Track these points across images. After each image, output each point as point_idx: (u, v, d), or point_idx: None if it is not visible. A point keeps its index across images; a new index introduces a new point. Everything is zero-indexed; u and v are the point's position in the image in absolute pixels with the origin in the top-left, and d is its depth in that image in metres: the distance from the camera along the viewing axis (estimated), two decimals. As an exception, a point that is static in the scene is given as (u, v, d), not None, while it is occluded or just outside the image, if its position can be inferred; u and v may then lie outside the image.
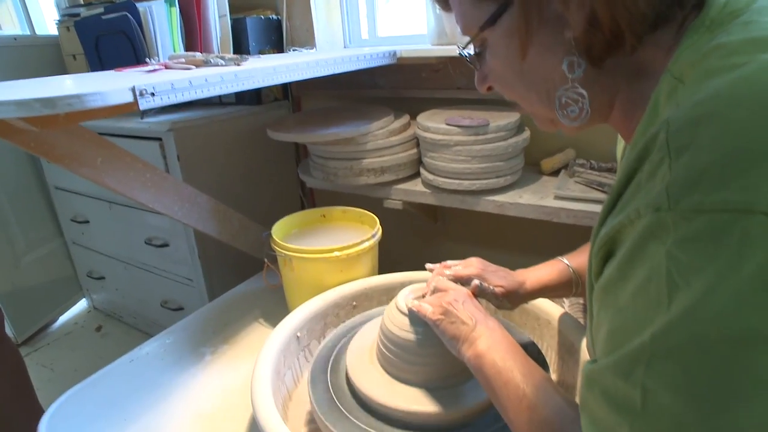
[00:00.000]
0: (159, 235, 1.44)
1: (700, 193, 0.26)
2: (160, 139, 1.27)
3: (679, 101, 0.31)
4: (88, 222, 1.65)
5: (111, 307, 1.87)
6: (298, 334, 0.82)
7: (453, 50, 1.07)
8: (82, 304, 1.99)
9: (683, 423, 0.27)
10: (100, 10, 1.29)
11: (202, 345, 0.99)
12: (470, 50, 0.49)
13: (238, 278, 1.23)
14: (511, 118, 1.08)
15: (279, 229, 1.05)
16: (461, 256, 0.75)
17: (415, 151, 1.22)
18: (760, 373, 0.25)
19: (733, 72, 0.28)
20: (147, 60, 0.99)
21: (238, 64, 0.89)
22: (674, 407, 0.27)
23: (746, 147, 0.25)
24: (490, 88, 0.50)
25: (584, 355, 0.68)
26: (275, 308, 1.08)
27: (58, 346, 1.77)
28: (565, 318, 0.77)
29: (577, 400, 0.37)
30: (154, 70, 0.86)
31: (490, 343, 0.55)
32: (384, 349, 0.68)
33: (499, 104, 1.19)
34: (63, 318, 1.92)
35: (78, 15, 1.38)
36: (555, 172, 1.17)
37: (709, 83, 0.29)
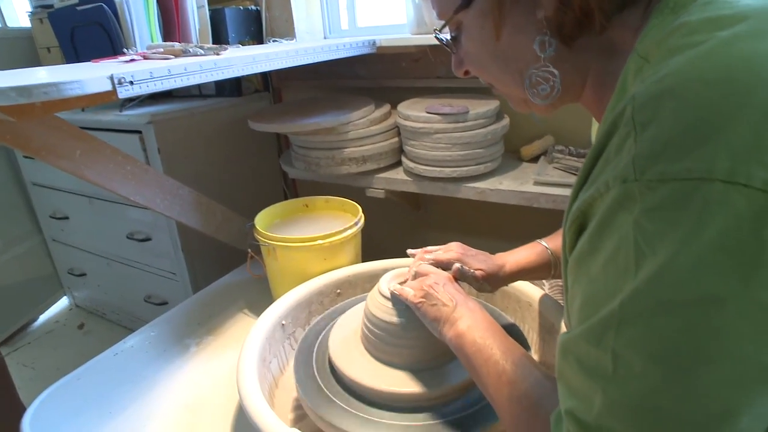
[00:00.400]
0: (141, 229, 1.42)
1: (664, 163, 0.27)
2: (139, 132, 1.26)
3: (644, 79, 0.32)
4: (67, 218, 1.62)
5: (93, 304, 1.85)
6: (283, 322, 0.83)
7: (432, 39, 1.07)
8: (63, 302, 1.96)
9: (652, 386, 0.28)
10: (75, 0, 1.26)
11: (187, 337, 0.99)
12: (446, 34, 0.49)
13: (222, 270, 1.22)
14: (490, 105, 1.09)
15: (262, 220, 1.05)
16: (443, 243, 0.76)
17: (396, 139, 1.22)
18: (723, 335, 0.26)
19: (693, 49, 0.29)
20: (124, 51, 0.98)
21: (218, 54, 0.88)
22: (643, 371, 0.28)
23: (705, 119, 0.27)
24: (467, 72, 0.51)
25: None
26: (260, 298, 1.08)
27: (39, 345, 1.74)
28: (545, 300, 0.79)
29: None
30: (132, 61, 0.85)
31: (470, 323, 0.56)
32: (368, 333, 0.69)
33: (479, 92, 1.21)
34: (44, 316, 1.89)
35: (51, 6, 1.35)
36: (534, 159, 1.19)
37: (671, 61, 0.30)
